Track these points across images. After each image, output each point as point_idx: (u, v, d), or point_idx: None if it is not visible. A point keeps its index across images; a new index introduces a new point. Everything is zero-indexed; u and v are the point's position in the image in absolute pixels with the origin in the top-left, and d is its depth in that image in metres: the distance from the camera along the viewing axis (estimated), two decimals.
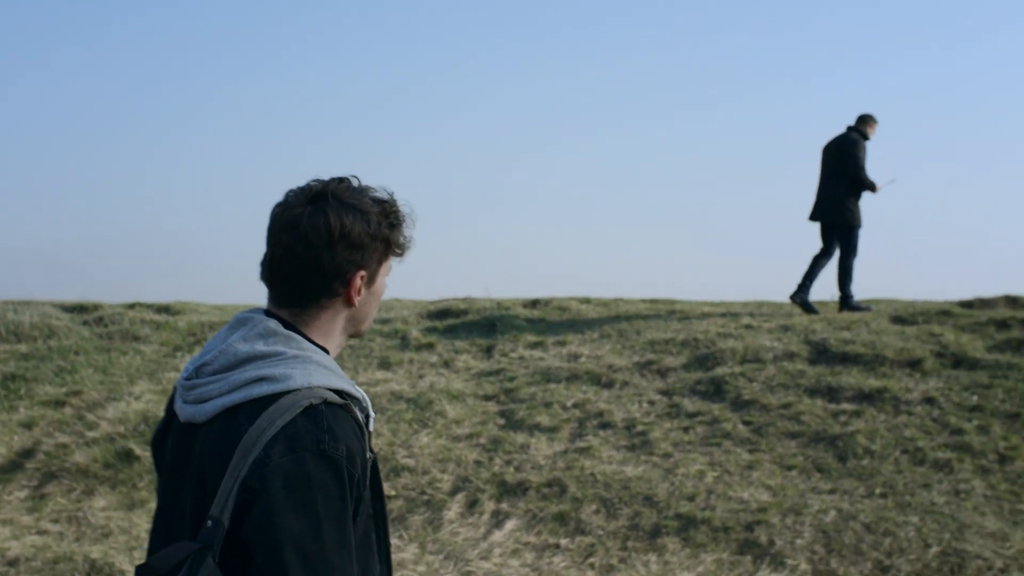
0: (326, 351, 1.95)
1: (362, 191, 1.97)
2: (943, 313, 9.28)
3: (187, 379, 1.91)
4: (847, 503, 6.42)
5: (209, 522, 1.74)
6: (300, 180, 2.00)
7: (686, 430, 7.52)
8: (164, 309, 11.46)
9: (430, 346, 9.53)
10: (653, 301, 11.08)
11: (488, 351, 9.45)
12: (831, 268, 10.37)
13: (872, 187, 10.20)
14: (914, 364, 8.17)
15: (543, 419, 7.88)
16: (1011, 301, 9.68)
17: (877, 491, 6.56)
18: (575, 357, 8.95)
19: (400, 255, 2.04)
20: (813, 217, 10.44)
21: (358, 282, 1.94)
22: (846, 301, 10.26)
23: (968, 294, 10.00)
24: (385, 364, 9.24)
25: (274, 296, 1.96)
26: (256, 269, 2.01)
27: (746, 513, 6.37)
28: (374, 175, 2.05)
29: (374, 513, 1.93)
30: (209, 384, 1.86)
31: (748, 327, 9.23)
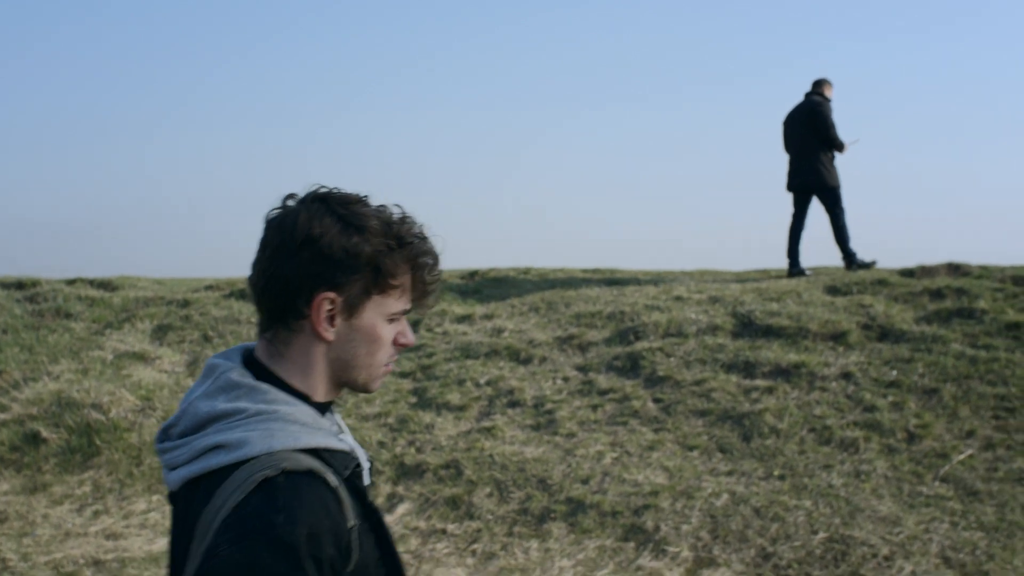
0: (307, 397, 1.64)
1: (368, 205, 1.64)
2: (879, 282, 9.01)
3: (159, 442, 1.65)
4: (742, 486, 6.22)
5: None
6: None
7: (595, 408, 7.32)
8: (104, 284, 11.30)
9: None
10: (595, 270, 10.84)
11: (415, 325, 9.26)
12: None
13: (841, 146, 10.23)
14: (838, 337, 7.93)
15: (453, 397, 7.70)
16: (953, 269, 9.40)
17: (776, 472, 6.36)
18: (498, 332, 8.75)
19: (394, 288, 1.64)
20: (791, 187, 10.42)
21: (326, 306, 1.60)
22: (851, 259, 10.25)
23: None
24: None
25: (259, 322, 1.69)
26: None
27: (637, 497, 6.18)
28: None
29: (387, 573, 1.65)
30: (175, 450, 1.61)
31: (678, 299, 8.99)
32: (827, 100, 10.38)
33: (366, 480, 1.69)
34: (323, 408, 1.68)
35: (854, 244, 10.24)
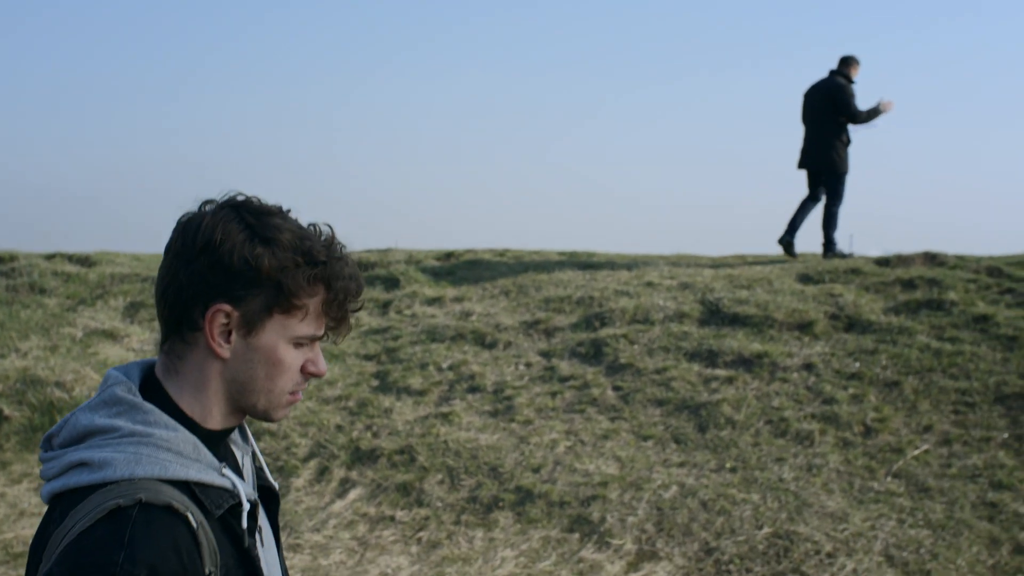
0: (195, 424, 1.53)
1: (285, 218, 1.53)
2: (852, 271, 8.92)
3: (42, 451, 1.54)
4: (692, 478, 6.18)
5: None
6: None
7: (554, 395, 7.28)
8: (82, 260, 11.28)
9: None
10: (572, 254, 10.76)
11: (385, 307, 9.22)
12: (817, 214, 10.28)
13: (873, 113, 9.95)
14: (805, 327, 7.85)
15: (415, 381, 7.66)
16: (930, 258, 9.30)
17: (728, 465, 6.31)
18: (467, 315, 8.69)
19: (298, 309, 1.52)
20: (801, 165, 10.28)
21: (220, 319, 1.49)
22: (830, 247, 10.14)
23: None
24: None
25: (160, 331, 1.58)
26: None
27: (587, 487, 6.15)
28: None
29: None
30: (49, 462, 1.51)
31: (649, 284, 8.92)
32: (851, 82, 10.10)
33: (244, 523, 1.54)
34: (218, 436, 1.57)
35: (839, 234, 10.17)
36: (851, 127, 10.06)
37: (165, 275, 1.51)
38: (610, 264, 10.07)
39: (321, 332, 1.56)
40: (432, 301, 9.15)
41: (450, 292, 9.28)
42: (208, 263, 1.47)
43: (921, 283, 8.46)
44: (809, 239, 16.38)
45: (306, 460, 6.94)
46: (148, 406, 1.49)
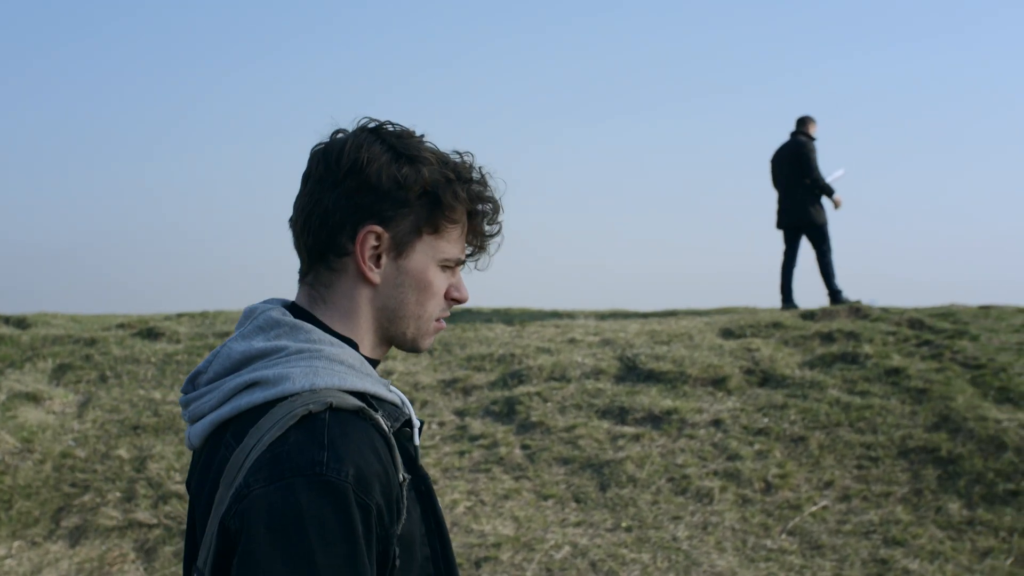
0: (354, 344, 1.48)
1: (423, 140, 1.51)
2: (774, 325, 8.93)
3: (184, 393, 1.50)
4: (587, 538, 6.13)
5: (195, 573, 1.38)
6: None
7: (462, 454, 7.24)
8: (19, 322, 11.25)
9: None
10: (506, 310, 10.77)
11: None
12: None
13: (829, 190, 10.49)
14: (719, 382, 7.84)
15: None
16: (855, 311, 9.32)
17: (624, 524, 6.27)
18: (387, 374, 8.67)
19: (448, 229, 1.50)
20: (780, 224, 10.72)
21: (371, 241, 1.46)
22: (836, 297, 10.40)
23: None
24: None
25: (301, 267, 1.54)
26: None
27: (480, 548, 6.10)
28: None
29: (432, 552, 1.48)
30: (202, 398, 1.46)
31: (571, 341, 8.92)
32: (811, 139, 10.63)
33: (416, 441, 1.52)
34: (371, 365, 1.51)
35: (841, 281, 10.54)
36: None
37: (307, 203, 1.48)
38: (540, 320, 10.08)
39: (464, 256, 1.55)
40: None
41: None
42: (356, 185, 1.44)
43: (840, 336, 8.47)
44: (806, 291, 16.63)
45: None
46: (308, 326, 1.46)
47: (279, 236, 1.59)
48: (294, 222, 1.51)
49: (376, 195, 1.45)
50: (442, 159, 1.49)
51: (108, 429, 8.15)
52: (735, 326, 9.01)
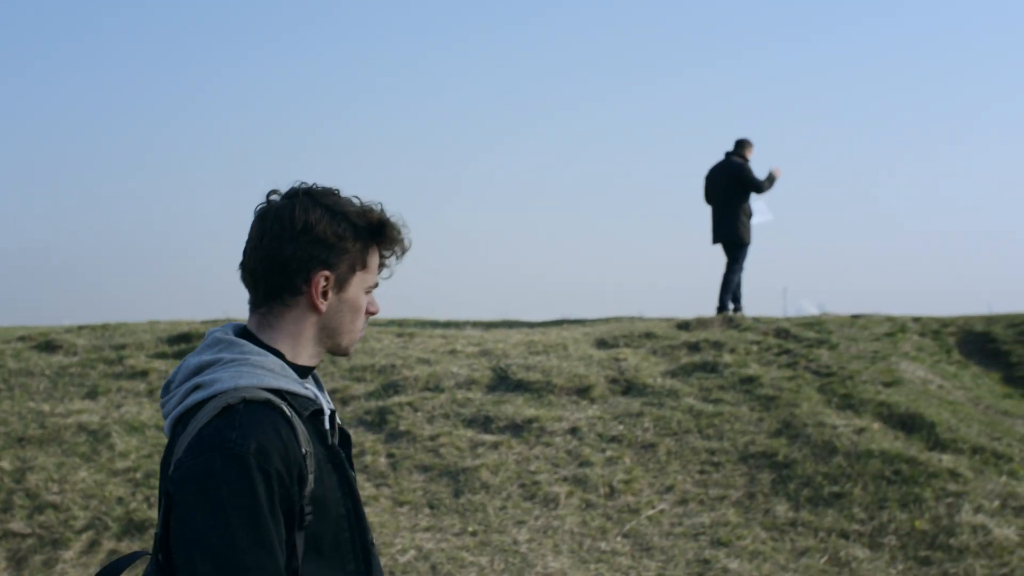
0: (280, 355, 1.94)
1: (342, 196, 1.98)
2: (647, 335, 9.30)
3: (162, 396, 1.99)
4: (433, 542, 6.43)
5: (157, 531, 1.85)
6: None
7: None
8: None
9: (144, 374, 9.50)
10: (401, 321, 11.06)
11: None
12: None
13: (770, 180, 10.91)
14: (583, 391, 8.18)
15: None
16: (728, 321, 9.70)
17: (470, 528, 6.58)
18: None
19: (384, 265, 2.04)
20: (716, 240, 11.14)
21: (321, 282, 1.93)
22: (722, 308, 10.77)
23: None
24: (92, 393, 9.20)
25: (249, 299, 2.00)
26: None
27: None
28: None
29: (346, 512, 1.94)
30: (170, 400, 1.93)
31: (452, 352, 9.23)
32: (747, 161, 11.12)
33: (326, 424, 1.98)
34: (304, 371, 2.00)
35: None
36: (752, 200, 10.97)
37: (264, 254, 1.92)
38: (432, 329, 10.38)
39: (378, 281, 2.05)
40: None
41: None
42: (308, 241, 1.91)
43: (706, 346, 8.85)
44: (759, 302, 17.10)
45: (80, 532, 7.10)
46: (242, 341, 1.93)
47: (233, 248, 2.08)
48: (251, 269, 1.96)
49: (324, 247, 1.92)
50: (364, 213, 1.97)
51: None
52: (609, 336, 9.36)
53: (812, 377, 8.15)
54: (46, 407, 8.88)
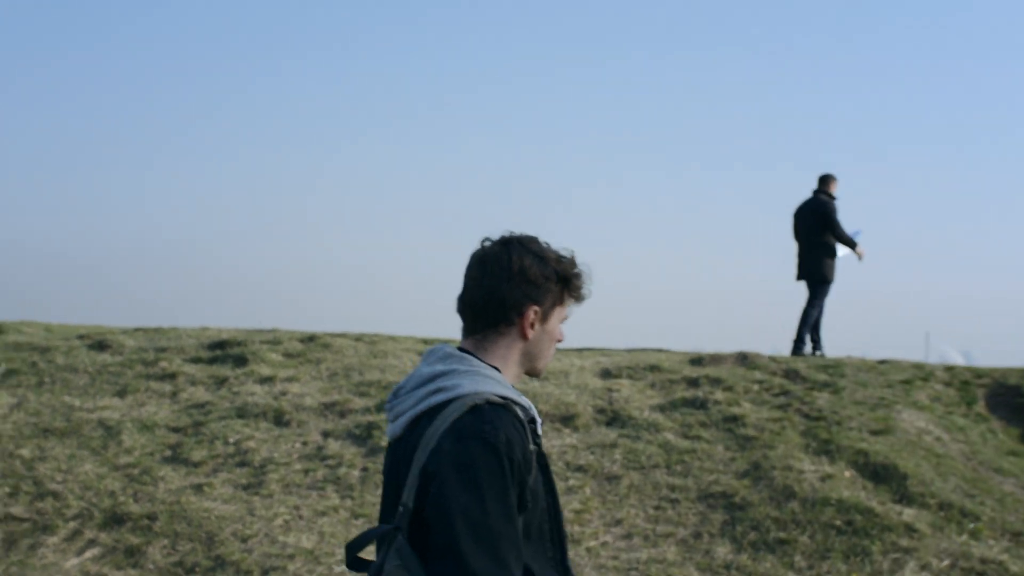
0: (498, 370, 2.35)
1: (543, 243, 2.41)
2: (652, 368, 9.27)
3: (388, 403, 2.42)
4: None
5: (400, 508, 2.21)
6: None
7: (307, 472, 7.79)
8: None
9: (173, 376, 9.99)
10: (430, 340, 11.28)
11: (220, 384, 9.85)
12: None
13: (854, 244, 11.26)
14: (568, 419, 8.23)
15: (197, 454, 8.23)
16: (742, 358, 9.58)
17: None
18: (281, 395, 9.28)
19: (575, 301, 2.44)
20: (800, 277, 11.51)
21: (531, 315, 2.34)
22: (799, 345, 11.16)
23: None
24: (122, 392, 9.73)
25: (465, 327, 2.42)
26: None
27: (277, 559, 6.64)
28: None
29: (547, 506, 2.31)
30: (402, 402, 2.34)
31: None
32: (832, 198, 11.44)
33: (539, 430, 2.35)
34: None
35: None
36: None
37: (484, 292, 2.34)
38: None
39: (567, 314, 2.46)
40: (264, 380, 9.76)
41: (283, 373, 9.89)
42: (522, 282, 2.33)
43: (704, 382, 8.77)
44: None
45: (69, 520, 7.56)
46: (471, 357, 2.34)
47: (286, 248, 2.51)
48: (472, 303, 2.36)
49: (534, 287, 2.33)
50: (562, 258, 2.39)
51: (22, 430, 8.92)
52: (615, 367, 9.37)
53: (800, 420, 7.99)
54: (77, 402, 9.45)
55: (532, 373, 2.45)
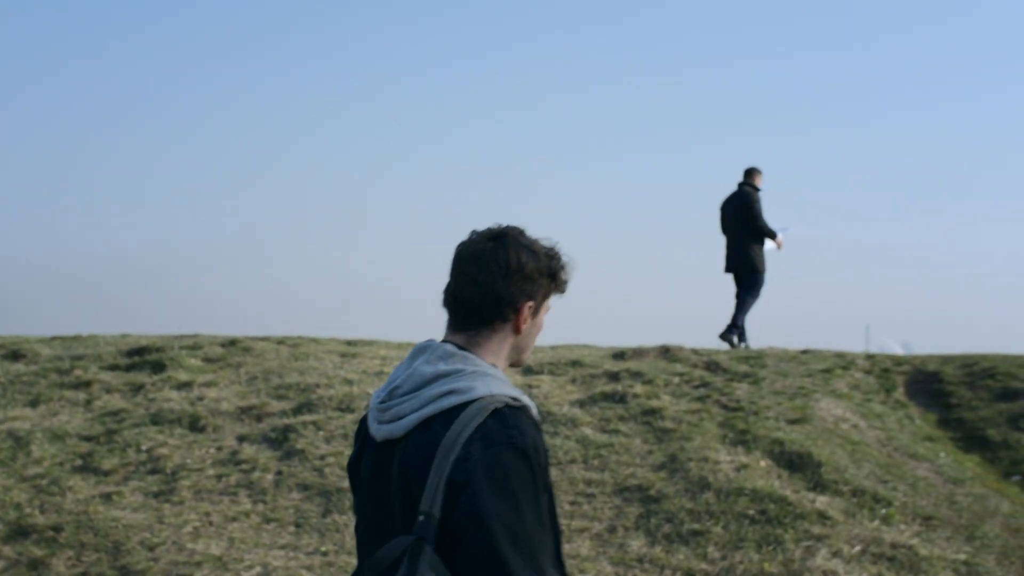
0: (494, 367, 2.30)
1: (532, 237, 2.37)
2: (573, 363, 9.22)
3: (381, 403, 2.28)
4: (282, 560, 6.48)
5: (421, 517, 2.07)
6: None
7: (220, 478, 7.63)
8: None
9: (88, 384, 9.76)
10: (351, 342, 11.16)
11: (137, 391, 9.64)
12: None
13: (773, 235, 11.29)
14: None
15: (108, 463, 8.04)
16: (664, 351, 9.56)
17: (323, 548, 6.61)
18: (198, 400, 9.10)
19: (561, 293, 2.41)
20: (728, 269, 11.55)
21: (526, 311, 2.31)
22: (729, 331, 11.12)
23: None
24: (35, 402, 9.49)
25: (453, 322, 2.33)
26: None
27: (185, 566, 6.48)
28: None
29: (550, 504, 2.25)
30: (403, 403, 2.21)
31: (380, 373, 9.29)
32: (757, 190, 11.47)
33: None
34: None
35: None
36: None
37: (479, 291, 2.28)
38: (381, 349, 10.45)
39: (551, 305, 2.43)
40: (181, 386, 9.56)
41: (202, 378, 9.70)
42: (519, 278, 2.29)
43: (625, 376, 8.74)
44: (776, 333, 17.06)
45: None
46: (471, 355, 2.26)
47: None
48: (466, 299, 2.29)
49: (529, 282, 2.30)
50: (550, 251, 2.36)
51: None
52: (537, 364, 9.31)
53: (718, 411, 7.98)
54: None
55: (516, 364, 2.42)
